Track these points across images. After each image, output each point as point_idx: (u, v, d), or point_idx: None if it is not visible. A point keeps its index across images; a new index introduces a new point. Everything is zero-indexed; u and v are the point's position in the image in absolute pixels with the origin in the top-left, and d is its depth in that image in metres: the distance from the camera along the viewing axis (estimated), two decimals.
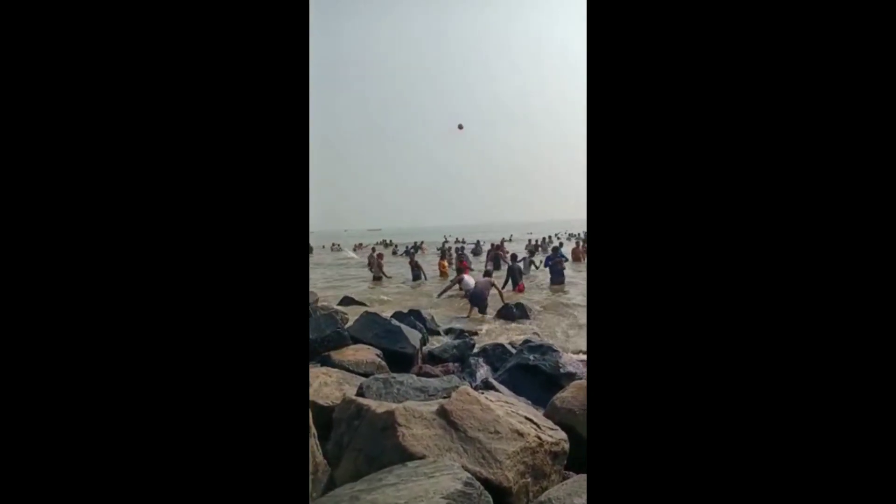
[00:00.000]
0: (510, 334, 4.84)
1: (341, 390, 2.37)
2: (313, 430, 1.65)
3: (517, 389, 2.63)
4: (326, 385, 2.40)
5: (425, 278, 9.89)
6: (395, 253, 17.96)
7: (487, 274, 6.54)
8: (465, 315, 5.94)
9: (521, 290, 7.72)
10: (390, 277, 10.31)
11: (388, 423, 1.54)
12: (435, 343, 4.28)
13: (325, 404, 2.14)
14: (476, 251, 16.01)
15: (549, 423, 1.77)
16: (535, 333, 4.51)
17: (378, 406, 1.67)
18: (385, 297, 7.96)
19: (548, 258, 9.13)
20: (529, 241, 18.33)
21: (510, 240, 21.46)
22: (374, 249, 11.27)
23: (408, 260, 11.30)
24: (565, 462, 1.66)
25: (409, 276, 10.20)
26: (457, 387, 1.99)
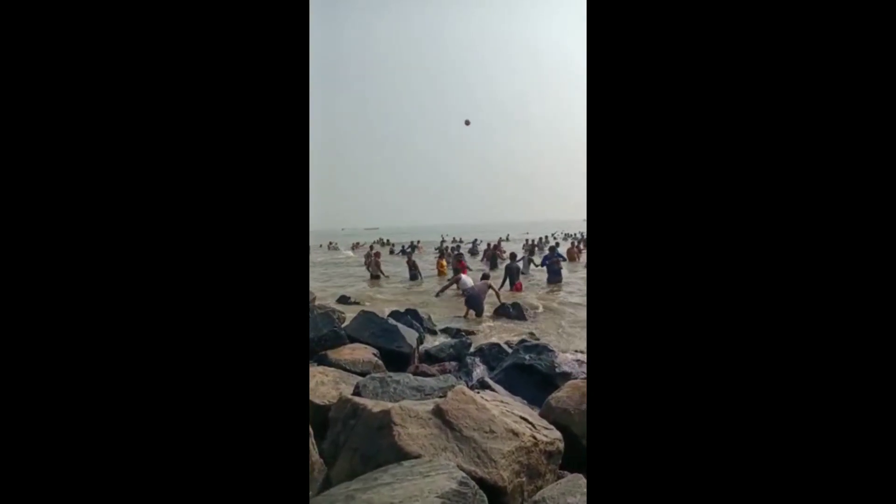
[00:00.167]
0: (507, 334, 4.85)
1: (338, 389, 2.38)
2: (309, 429, 1.65)
3: (513, 389, 2.65)
4: (323, 384, 2.41)
5: (421, 278, 9.89)
6: (392, 252, 17.94)
7: (485, 277, 6.55)
8: (461, 315, 5.95)
9: (519, 290, 7.74)
10: (388, 276, 10.31)
11: (384, 423, 1.54)
12: (432, 342, 4.29)
13: (322, 403, 2.15)
14: (473, 251, 16.02)
15: (545, 423, 1.78)
16: (530, 333, 4.52)
17: (374, 405, 1.67)
18: (382, 297, 7.96)
19: (545, 257, 9.19)
20: (527, 240, 18.36)
21: (507, 239, 21.49)
22: (371, 248, 11.24)
23: (405, 259, 11.30)
24: (560, 461, 1.68)
25: (407, 275, 10.20)
26: (453, 386, 2.00)
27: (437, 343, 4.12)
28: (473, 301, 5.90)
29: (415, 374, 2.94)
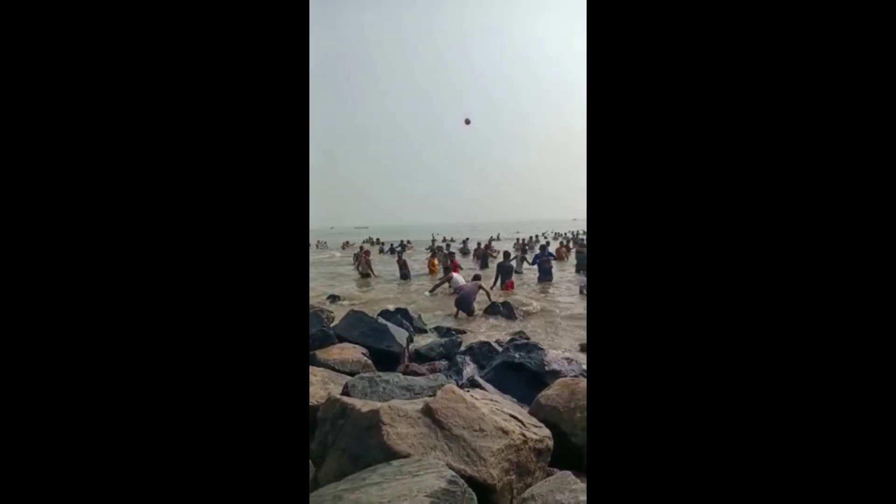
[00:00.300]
0: (497, 332, 4.87)
1: (326, 389, 2.36)
2: None
3: (503, 387, 2.65)
4: (311, 384, 2.38)
5: (411, 277, 9.89)
6: (381, 251, 17.87)
7: (476, 277, 6.57)
8: (452, 314, 5.96)
9: (511, 288, 7.79)
10: (377, 276, 10.28)
11: (372, 422, 1.53)
12: (422, 342, 4.28)
13: (310, 403, 2.12)
14: (464, 250, 16.04)
15: (534, 421, 1.78)
16: (520, 332, 4.54)
17: (363, 405, 1.66)
18: (372, 296, 7.92)
19: (535, 256, 9.31)
20: (518, 239, 18.44)
21: (497, 238, 21.57)
22: (361, 248, 11.21)
23: (395, 258, 11.29)
24: (549, 459, 1.68)
25: (397, 274, 10.18)
26: (442, 385, 1.99)
27: (427, 342, 4.11)
28: (462, 302, 5.92)
29: (405, 373, 2.93)
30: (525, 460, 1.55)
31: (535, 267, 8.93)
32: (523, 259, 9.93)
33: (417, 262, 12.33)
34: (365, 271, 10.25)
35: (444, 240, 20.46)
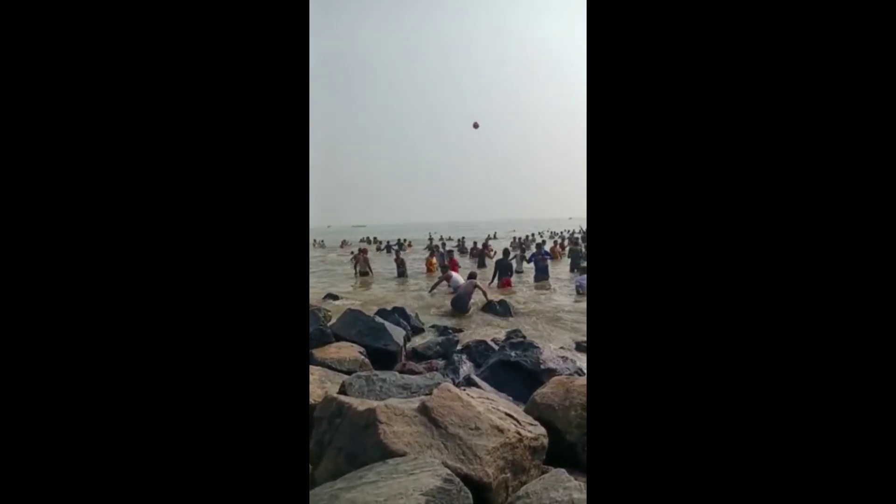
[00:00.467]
0: (493, 330, 4.88)
1: (323, 388, 2.36)
2: None
3: (499, 386, 2.66)
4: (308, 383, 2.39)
5: (407, 276, 9.91)
6: (378, 249, 17.85)
7: (472, 276, 6.59)
8: (448, 312, 5.98)
9: (508, 285, 7.81)
10: (376, 275, 10.29)
11: (369, 421, 1.54)
12: (419, 340, 4.28)
13: (308, 402, 2.13)
14: (462, 249, 16.06)
15: (529, 419, 1.80)
16: (516, 330, 4.56)
17: (360, 404, 1.67)
18: (369, 294, 7.92)
19: (532, 255, 9.37)
20: (514, 238, 18.46)
21: (494, 237, 21.59)
22: (360, 250, 11.25)
23: (393, 257, 11.31)
24: (544, 457, 1.70)
25: (395, 272, 10.20)
26: (439, 384, 2.00)
27: (424, 341, 4.12)
28: (458, 301, 5.95)
29: (401, 372, 2.94)
30: (520, 458, 1.57)
31: (532, 265, 9.00)
32: (523, 258, 9.96)
33: (416, 261, 12.33)
34: (363, 270, 10.26)
35: (441, 239, 20.47)
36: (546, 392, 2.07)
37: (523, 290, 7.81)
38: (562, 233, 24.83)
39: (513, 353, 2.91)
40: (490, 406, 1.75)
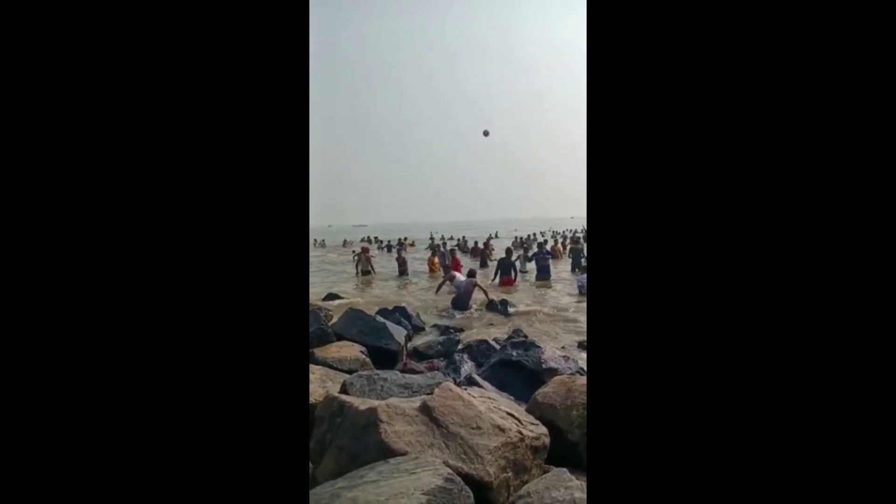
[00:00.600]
0: (495, 330, 4.88)
1: (324, 387, 2.36)
2: None
3: (500, 385, 2.66)
4: (309, 382, 2.39)
5: (409, 275, 9.93)
6: (379, 249, 17.90)
7: (471, 274, 6.59)
8: (449, 311, 5.99)
9: (509, 284, 7.81)
10: (377, 273, 10.32)
11: (370, 420, 1.54)
12: (420, 339, 4.28)
13: (308, 402, 2.13)
14: (463, 248, 16.08)
15: (531, 418, 1.79)
16: (517, 330, 4.56)
17: (361, 403, 1.67)
18: (370, 293, 7.93)
19: (534, 254, 9.40)
20: (516, 237, 18.45)
21: (496, 237, 21.59)
22: (362, 249, 11.31)
23: (394, 256, 11.36)
24: (546, 456, 1.69)
25: (396, 272, 10.23)
26: (440, 383, 2.00)
27: (425, 340, 4.12)
28: (458, 300, 5.97)
29: (403, 371, 2.94)
30: (522, 458, 1.57)
31: (533, 264, 9.01)
32: (526, 258, 9.96)
33: (416, 260, 12.35)
34: (365, 268, 10.30)
35: (443, 238, 20.51)
36: (548, 391, 2.07)
37: (525, 289, 7.80)
38: (563, 232, 24.81)
39: (514, 353, 2.91)
40: (491, 405, 1.75)
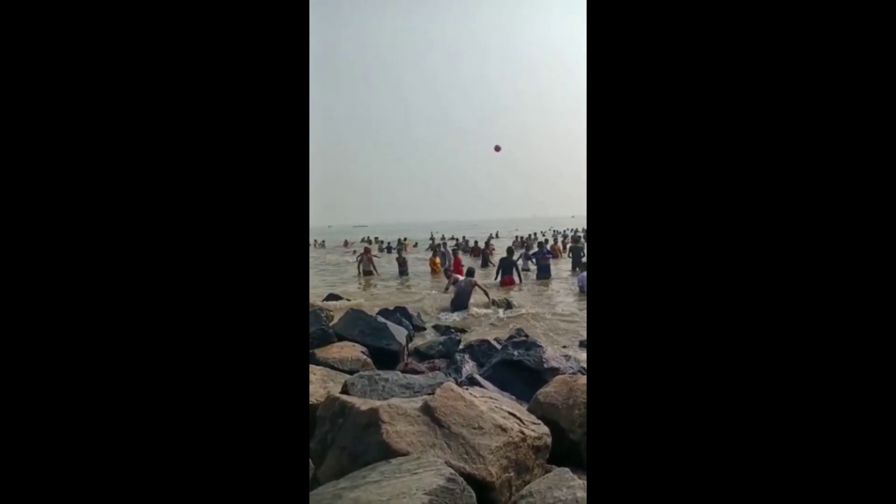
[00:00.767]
0: (496, 331, 4.87)
1: (325, 388, 2.36)
2: None
3: (502, 385, 2.66)
4: (310, 383, 2.39)
5: (408, 275, 9.99)
6: (380, 249, 17.94)
7: (470, 273, 6.60)
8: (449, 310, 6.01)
9: (509, 283, 7.81)
10: (379, 273, 10.35)
11: (371, 421, 1.54)
12: (421, 340, 4.28)
13: (310, 402, 2.13)
14: (464, 249, 16.09)
15: (533, 418, 1.79)
16: (519, 329, 4.56)
17: (362, 403, 1.67)
18: (371, 293, 7.93)
19: (534, 254, 9.42)
20: (517, 237, 18.46)
21: (497, 236, 21.59)
22: (365, 249, 11.38)
23: (394, 257, 11.40)
24: (547, 456, 1.69)
25: (395, 272, 10.27)
26: (441, 383, 2.00)
27: (426, 340, 4.12)
28: (457, 300, 6.00)
29: (404, 371, 2.94)
30: (523, 457, 1.56)
31: (533, 262, 9.04)
32: (528, 257, 9.96)
33: (416, 260, 12.36)
34: (367, 268, 10.34)
35: (443, 238, 20.51)
36: (549, 391, 2.06)
37: (525, 288, 7.80)
38: (564, 231, 24.78)
39: (515, 353, 2.91)
40: (493, 405, 1.75)
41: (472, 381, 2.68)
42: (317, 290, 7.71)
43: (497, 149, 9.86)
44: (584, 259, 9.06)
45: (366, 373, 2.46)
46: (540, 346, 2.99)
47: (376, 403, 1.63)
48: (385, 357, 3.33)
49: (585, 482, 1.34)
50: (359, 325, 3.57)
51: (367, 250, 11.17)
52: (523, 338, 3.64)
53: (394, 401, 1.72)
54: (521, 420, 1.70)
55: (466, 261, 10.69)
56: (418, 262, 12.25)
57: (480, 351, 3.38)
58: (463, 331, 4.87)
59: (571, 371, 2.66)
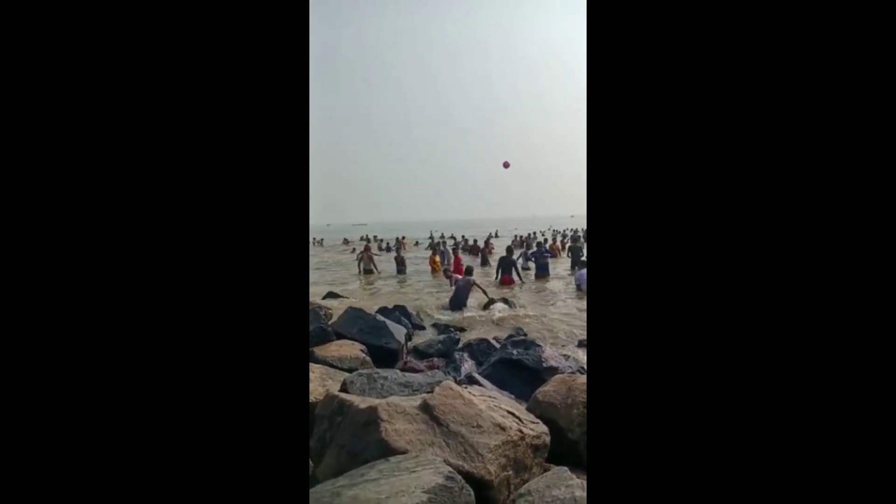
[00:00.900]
0: (495, 330, 4.88)
1: (324, 386, 2.36)
2: None
3: (501, 384, 2.66)
4: (310, 381, 2.39)
5: (406, 274, 10.04)
6: (380, 249, 17.95)
7: (468, 272, 6.60)
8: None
9: (509, 283, 7.81)
10: (380, 272, 10.36)
11: (370, 419, 1.54)
12: (420, 338, 4.29)
13: (308, 400, 2.13)
14: (464, 247, 16.09)
15: (531, 417, 1.79)
16: (518, 329, 4.56)
17: (361, 402, 1.67)
18: (370, 292, 7.93)
19: (533, 253, 9.42)
20: (516, 236, 18.46)
21: (496, 235, 21.60)
22: (365, 248, 11.40)
23: (393, 256, 11.43)
24: (546, 455, 1.69)
25: (394, 270, 10.29)
26: (440, 382, 2.00)
27: (425, 339, 4.12)
28: (455, 299, 6.00)
29: (403, 370, 2.94)
30: (522, 456, 1.57)
31: (532, 262, 9.05)
32: (527, 257, 9.96)
33: (414, 259, 12.37)
34: (367, 267, 10.35)
35: (442, 237, 20.50)
36: (548, 390, 2.07)
37: (524, 287, 7.80)
38: (564, 231, 24.79)
39: (514, 352, 2.91)
40: (492, 404, 1.75)
41: (471, 380, 2.68)
42: (316, 289, 7.70)
43: (506, 165, 9.69)
44: (583, 258, 9.07)
45: (365, 371, 2.47)
46: (539, 346, 2.99)
47: (375, 402, 1.63)
48: (384, 355, 3.34)
49: (584, 481, 1.35)
50: (358, 324, 3.57)
51: (367, 248, 11.17)
52: (522, 337, 3.64)
53: (393, 399, 1.72)
54: (519, 419, 1.70)
55: (466, 260, 10.71)
56: (418, 260, 12.26)
57: (479, 350, 3.39)
58: (462, 329, 4.87)
59: (570, 370, 2.66)
